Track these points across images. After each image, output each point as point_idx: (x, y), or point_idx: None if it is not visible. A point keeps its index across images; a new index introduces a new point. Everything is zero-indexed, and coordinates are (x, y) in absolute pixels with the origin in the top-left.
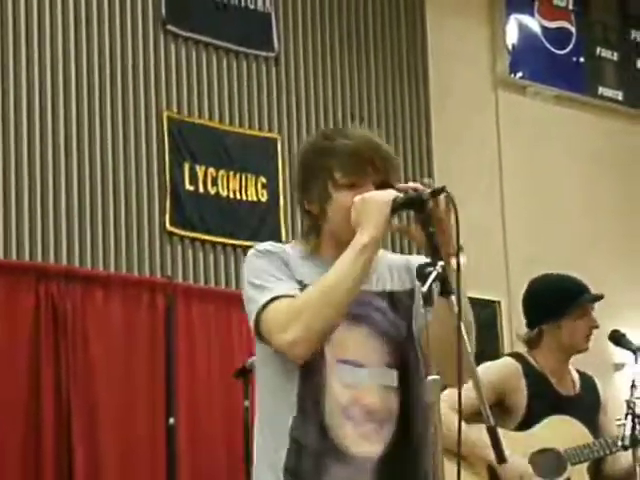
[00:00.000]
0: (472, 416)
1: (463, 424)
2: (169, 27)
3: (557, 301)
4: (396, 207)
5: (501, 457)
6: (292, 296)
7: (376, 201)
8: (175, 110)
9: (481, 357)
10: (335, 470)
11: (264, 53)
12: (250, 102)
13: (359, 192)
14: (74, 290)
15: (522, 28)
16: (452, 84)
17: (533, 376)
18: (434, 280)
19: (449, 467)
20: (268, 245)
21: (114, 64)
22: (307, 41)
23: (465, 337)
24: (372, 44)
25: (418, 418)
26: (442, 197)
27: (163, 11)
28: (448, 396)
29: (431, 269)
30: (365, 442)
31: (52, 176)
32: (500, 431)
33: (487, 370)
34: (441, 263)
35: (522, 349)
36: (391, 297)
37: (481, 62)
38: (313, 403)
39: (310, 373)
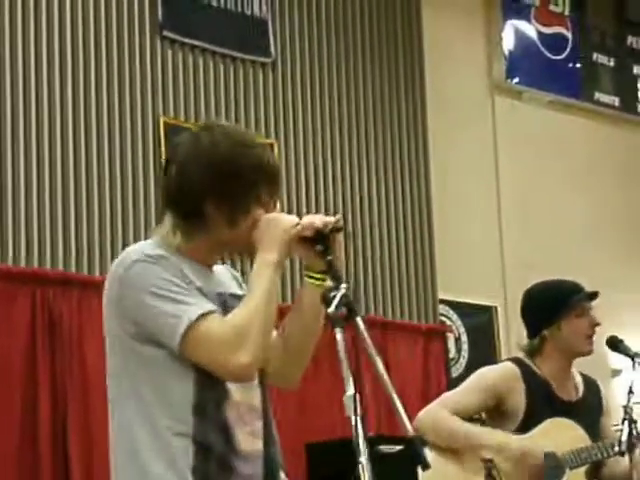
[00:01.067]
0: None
1: (461, 421)
2: (166, 33)
3: (553, 303)
4: (301, 236)
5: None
6: (215, 312)
7: (283, 224)
8: (172, 115)
9: (477, 362)
10: (240, 470)
11: (261, 59)
12: (247, 108)
13: (268, 209)
14: (70, 296)
15: (518, 34)
16: (448, 89)
17: (532, 380)
18: (339, 302)
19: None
20: (151, 249)
21: (111, 69)
22: (304, 47)
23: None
24: (368, 49)
25: (269, 408)
26: (339, 235)
27: (160, 17)
28: (449, 400)
29: (335, 293)
30: (254, 439)
31: (49, 182)
32: (500, 432)
33: (486, 374)
34: (344, 286)
35: (521, 355)
36: (240, 299)
37: (477, 67)
38: (215, 406)
39: (208, 376)
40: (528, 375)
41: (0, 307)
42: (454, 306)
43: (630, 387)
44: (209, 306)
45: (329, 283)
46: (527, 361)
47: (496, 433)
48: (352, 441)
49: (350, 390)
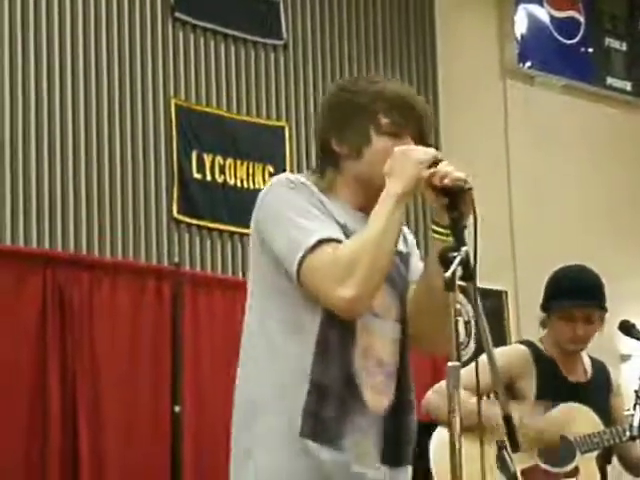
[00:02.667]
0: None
1: (474, 398)
2: (177, 14)
3: (547, 294)
4: (431, 183)
5: (515, 444)
6: (340, 241)
7: (416, 158)
8: (183, 98)
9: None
10: (356, 419)
11: (272, 41)
12: (258, 90)
13: (399, 141)
14: (81, 277)
15: (531, 18)
16: (461, 74)
17: (542, 362)
18: (458, 265)
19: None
20: (299, 177)
21: (122, 51)
22: (315, 29)
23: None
24: (380, 33)
25: (408, 373)
26: (469, 195)
27: None
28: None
29: (455, 254)
30: (376, 394)
31: (60, 163)
32: (516, 413)
33: (497, 355)
34: (465, 248)
35: (531, 338)
36: (400, 256)
37: (490, 51)
38: (340, 346)
39: (336, 315)
40: (538, 357)
41: (11, 288)
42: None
43: None
44: (330, 232)
45: (451, 241)
46: (537, 343)
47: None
48: None
49: (454, 360)
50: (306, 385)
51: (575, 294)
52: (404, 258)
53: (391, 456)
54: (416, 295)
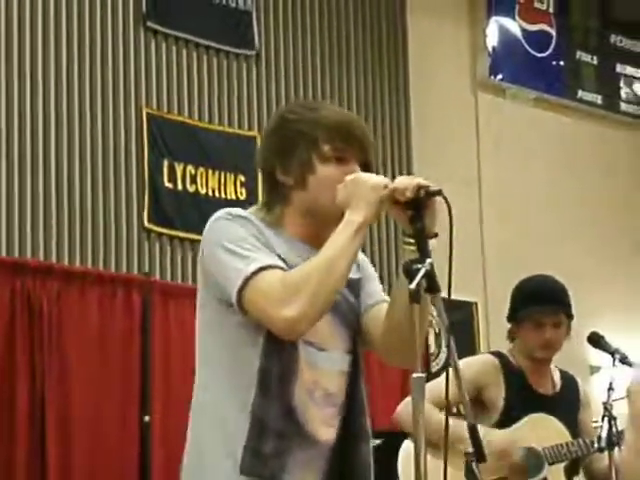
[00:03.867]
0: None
1: (441, 416)
2: (149, 24)
3: (513, 305)
4: (394, 200)
5: (481, 455)
6: (281, 268)
7: (371, 183)
8: (155, 107)
9: (457, 358)
10: (298, 454)
11: (244, 51)
12: (230, 100)
13: (345, 168)
14: (50, 285)
15: (503, 30)
16: (432, 85)
17: (511, 373)
18: (422, 277)
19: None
20: (239, 210)
21: (94, 60)
22: (287, 39)
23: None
24: (353, 44)
25: (360, 404)
26: (438, 199)
27: (144, 8)
28: (429, 391)
29: (419, 266)
30: (325, 427)
31: (30, 171)
32: (481, 428)
33: (465, 364)
34: (429, 260)
35: (501, 349)
36: (349, 283)
37: (461, 64)
38: (280, 381)
39: (277, 349)
40: (507, 368)
41: None
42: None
43: (610, 384)
44: (271, 261)
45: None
46: (506, 354)
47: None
48: None
49: (419, 372)
50: (248, 420)
51: (542, 300)
52: (354, 287)
53: None
54: (388, 311)
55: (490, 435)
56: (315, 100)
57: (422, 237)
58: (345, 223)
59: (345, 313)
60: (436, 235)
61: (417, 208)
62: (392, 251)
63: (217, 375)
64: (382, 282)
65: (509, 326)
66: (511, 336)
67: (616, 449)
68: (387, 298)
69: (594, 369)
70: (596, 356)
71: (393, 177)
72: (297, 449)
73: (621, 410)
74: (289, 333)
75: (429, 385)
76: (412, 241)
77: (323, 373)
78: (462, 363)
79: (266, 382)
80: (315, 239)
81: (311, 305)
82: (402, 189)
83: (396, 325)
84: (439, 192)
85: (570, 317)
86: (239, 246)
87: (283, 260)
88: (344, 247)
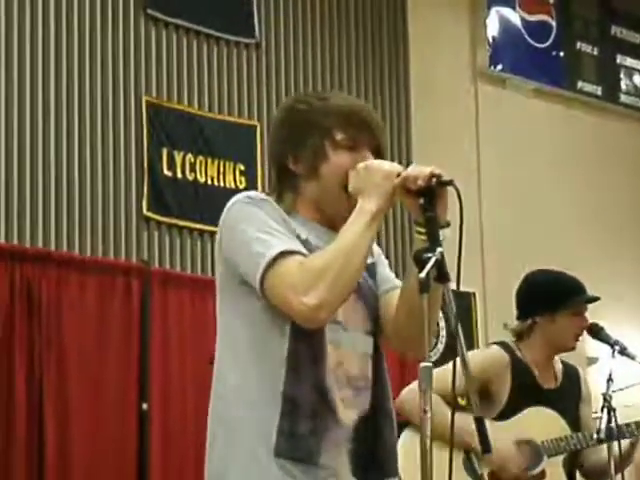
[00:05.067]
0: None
1: (446, 407)
2: (150, 11)
3: (557, 294)
4: (406, 188)
5: (486, 447)
6: (302, 253)
7: (384, 171)
8: (154, 95)
9: (455, 348)
10: (331, 434)
11: (245, 40)
12: (230, 89)
13: (357, 155)
14: (49, 273)
15: (503, 21)
16: (433, 75)
17: (518, 367)
18: (432, 266)
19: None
20: (259, 194)
21: (94, 47)
22: (288, 28)
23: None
24: (353, 33)
25: (385, 389)
26: (444, 190)
27: None
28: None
29: (430, 255)
30: (345, 408)
31: (29, 158)
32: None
33: (474, 357)
34: (440, 249)
35: (505, 339)
36: (367, 269)
37: (461, 54)
38: (310, 361)
39: (306, 331)
40: (515, 362)
41: None
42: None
43: (609, 375)
44: (292, 246)
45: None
46: (513, 347)
47: None
48: None
49: (427, 361)
50: (279, 402)
51: (580, 289)
52: (371, 271)
53: (362, 471)
54: (400, 299)
55: (498, 427)
56: (322, 90)
57: (433, 226)
58: (359, 211)
59: (366, 295)
60: (448, 224)
61: (429, 197)
62: (406, 240)
63: (243, 359)
64: (393, 270)
65: (517, 324)
66: (527, 333)
67: (615, 445)
68: (400, 284)
69: (592, 360)
70: (594, 347)
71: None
72: (330, 430)
73: (619, 402)
74: (310, 321)
75: (434, 373)
76: (423, 230)
77: (345, 353)
78: (472, 355)
79: (297, 364)
80: (330, 223)
81: (331, 293)
82: (414, 177)
83: (407, 313)
84: (451, 182)
85: None
86: (260, 229)
87: (307, 243)
88: (361, 237)
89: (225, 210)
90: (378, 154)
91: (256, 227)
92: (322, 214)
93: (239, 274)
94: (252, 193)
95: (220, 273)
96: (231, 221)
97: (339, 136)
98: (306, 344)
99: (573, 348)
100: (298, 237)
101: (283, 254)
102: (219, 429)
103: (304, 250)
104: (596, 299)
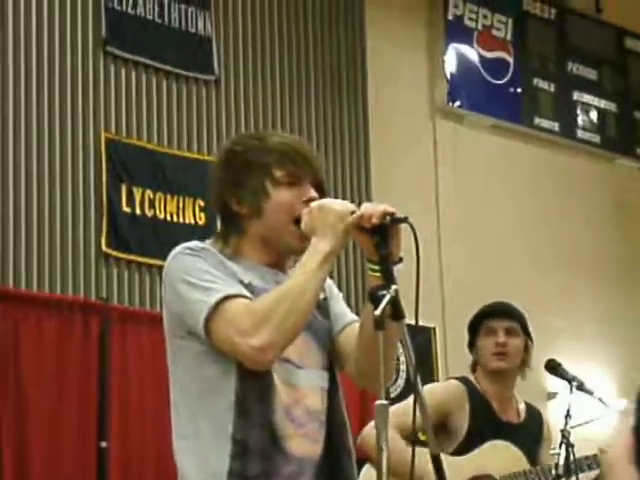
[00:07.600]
0: (410, 436)
1: (403, 444)
2: (109, 48)
3: (472, 323)
4: (359, 226)
5: None
6: (246, 297)
7: (337, 211)
8: (113, 131)
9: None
10: (282, 472)
11: (204, 76)
12: (189, 125)
13: (298, 190)
14: (7, 310)
15: (461, 57)
16: (391, 111)
17: (476, 400)
18: (387, 303)
19: None
20: (198, 243)
21: (52, 83)
22: (247, 65)
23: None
24: (312, 69)
25: (342, 422)
26: (398, 228)
27: (103, 32)
28: (394, 416)
29: (384, 292)
30: (307, 442)
31: None
32: (444, 457)
33: (432, 390)
34: (394, 287)
35: (466, 374)
36: (318, 304)
37: (420, 90)
38: (258, 403)
39: (252, 373)
40: (472, 394)
41: None
42: None
43: (567, 411)
44: (236, 290)
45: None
46: (472, 380)
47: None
48: None
49: (382, 399)
50: (228, 446)
51: (493, 310)
52: (323, 308)
53: None
54: (358, 336)
55: (447, 462)
56: (260, 130)
57: (387, 263)
58: (312, 251)
59: (317, 331)
60: (401, 260)
61: (382, 234)
62: (359, 277)
63: (193, 405)
64: (350, 308)
65: (471, 358)
66: (474, 363)
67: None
68: (357, 318)
69: (551, 395)
70: (553, 382)
71: (352, 203)
72: (282, 468)
73: (578, 437)
74: (257, 362)
75: (392, 409)
76: (377, 267)
77: (302, 390)
78: (427, 389)
79: (245, 406)
80: (278, 263)
81: (278, 334)
82: (368, 216)
83: (364, 349)
84: (405, 219)
85: (527, 334)
86: (200, 278)
87: (250, 287)
88: (312, 276)
89: (166, 264)
90: (318, 187)
91: (197, 276)
92: (269, 253)
93: (185, 324)
94: (191, 244)
95: (167, 326)
96: (172, 274)
97: (278, 173)
98: (253, 385)
99: (497, 368)
100: (241, 282)
101: (227, 298)
102: (179, 471)
103: (247, 293)
104: (496, 313)
